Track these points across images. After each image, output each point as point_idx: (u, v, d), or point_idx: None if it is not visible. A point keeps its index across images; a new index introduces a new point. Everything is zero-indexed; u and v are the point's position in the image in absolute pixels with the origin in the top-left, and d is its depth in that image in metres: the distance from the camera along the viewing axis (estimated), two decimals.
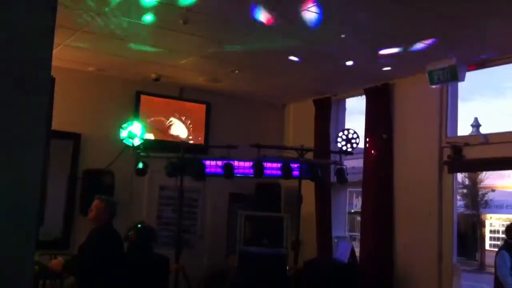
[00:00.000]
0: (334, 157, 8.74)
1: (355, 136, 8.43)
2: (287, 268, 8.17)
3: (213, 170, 8.23)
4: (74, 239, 7.77)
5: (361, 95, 8.83)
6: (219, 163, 8.18)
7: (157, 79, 8.58)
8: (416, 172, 7.78)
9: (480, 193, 27.01)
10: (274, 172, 8.38)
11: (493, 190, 26.48)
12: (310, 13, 5.74)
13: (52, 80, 2.74)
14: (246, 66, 8.01)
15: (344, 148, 8.42)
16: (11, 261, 1.70)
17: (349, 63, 7.43)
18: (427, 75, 7.06)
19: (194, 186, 8.95)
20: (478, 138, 7.70)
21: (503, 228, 16.48)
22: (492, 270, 7.86)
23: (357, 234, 11.51)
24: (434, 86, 7.19)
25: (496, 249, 8.31)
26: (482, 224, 27.71)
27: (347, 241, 9.48)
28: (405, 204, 7.89)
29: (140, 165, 8.00)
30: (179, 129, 9.22)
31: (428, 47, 6.59)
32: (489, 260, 22.28)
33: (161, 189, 9.07)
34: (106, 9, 5.91)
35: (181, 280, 7.68)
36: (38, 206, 1.82)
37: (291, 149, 8.53)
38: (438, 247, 7.43)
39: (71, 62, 7.90)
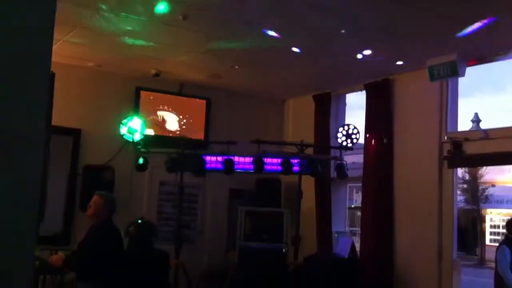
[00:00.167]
0: (334, 153, 8.74)
1: (355, 131, 8.44)
2: (287, 263, 8.19)
3: (213, 165, 8.23)
4: (75, 235, 7.78)
5: (361, 90, 8.82)
6: (219, 158, 8.19)
7: (157, 75, 8.58)
8: (416, 167, 7.79)
9: (480, 188, 27.05)
10: (274, 167, 8.38)
11: (493, 185, 26.53)
12: (311, 9, 5.74)
13: (52, 75, 2.74)
14: (246, 62, 8.01)
15: (344, 143, 8.42)
16: (11, 256, 1.70)
17: (350, 57, 7.42)
18: (427, 70, 7.06)
19: (194, 182, 8.95)
20: (478, 133, 7.71)
21: (503, 223, 16.46)
22: (493, 265, 7.87)
23: (357, 229, 11.53)
24: (434, 82, 7.19)
25: (497, 244, 8.32)
26: (482, 219, 27.77)
27: (347, 236, 9.49)
28: (405, 199, 7.89)
29: (141, 161, 8.00)
30: (171, 122, 9.19)
31: (428, 43, 6.59)
32: (490, 255, 22.34)
33: (161, 185, 9.07)
34: (105, 5, 5.90)
35: (181, 275, 7.69)
36: (38, 202, 1.82)
37: (291, 144, 8.53)
38: (438, 242, 7.44)
39: (71, 58, 7.90)
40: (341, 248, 8.14)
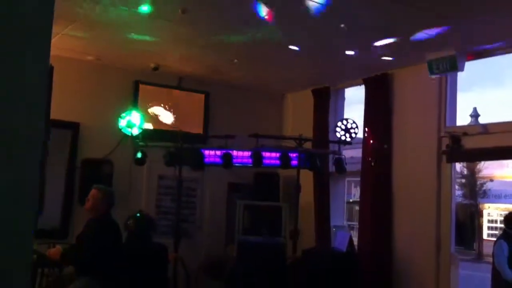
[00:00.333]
0: (332, 147, 8.75)
1: (354, 126, 8.44)
2: (286, 257, 8.21)
3: (212, 159, 8.23)
4: (73, 229, 7.78)
5: (360, 85, 8.82)
6: (218, 152, 8.19)
7: (156, 69, 8.56)
8: (414, 161, 7.80)
9: (478, 183, 27.07)
10: (273, 161, 8.38)
11: (491, 180, 26.55)
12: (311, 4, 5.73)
13: (51, 68, 2.73)
14: (245, 56, 7.99)
15: (343, 138, 8.43)
16: (10, 250, 1.71)
17: (349, 53, 7.42)
18: (426, 65, 7.05)
19: (193, 176, 8.94)
20: (476, 128, 7.70)
21: (501, 218, 16.46)
22: (490, 259, 7.89)
23: (355, 223, 11.56)
24: (433, 76, 7.19)
25: (494, 239, 8.33)
26: (480, 214, 27.81)
27: (346, 230, 9.51)
28: (403, 194, 7.90)
29: (139, 155, 7.99)
30: (165, 118, 9.17)
31: (428, 38, 6.58)
32: (487, 249, 22.39)
33: (160, 179, 9.06)
34: None
35: (180, 269, 7.70)
36: (37, 198, 1.82)
37: (290, 138, 8.54)
38: (436, 236, 7.46)
39: (70, 51, 7.88)
40: (339, 242, 8.16)
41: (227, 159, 8.12)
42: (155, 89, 9.07)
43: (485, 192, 27.10)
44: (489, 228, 27.69)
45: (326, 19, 6.19)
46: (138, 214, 7.39)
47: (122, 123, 8.00)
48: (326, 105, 9.29)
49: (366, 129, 8.44)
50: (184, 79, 9.24)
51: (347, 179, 10.22)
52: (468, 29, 6.32)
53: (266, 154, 8.28)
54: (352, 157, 8.99)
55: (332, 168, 8.73)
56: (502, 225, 7.92)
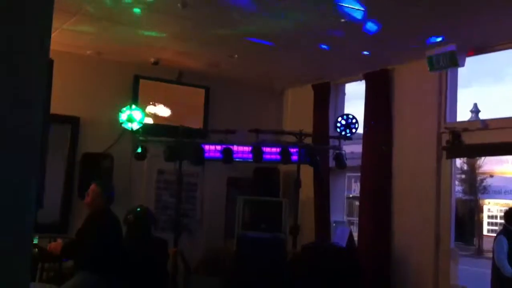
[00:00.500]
0: (333, 142, 8.75)
1: (354, 121, 8.43)
2: (286, 252, 8.21)
3: (212, 154, 8.23)
4: (73, 223, 7.79)
5: (360, 80, 8.81)
6: (218, 147, 8.18)
7: (156, 63, 8.56)
8: (414, 157, 7.79)
9: (478, 178, 27.10)
10: (273, 156, 8.38)
11: (491, 176, 26.57)
12: None
13: (51, 62, 2.73)
14: (245, 51, 7.98)
15: (343, 133, 8.42)
16: (10, 243, 1.71)
17: (348, 48, 7.41)
18: (426, 60, 7.04)
19: (193, 171, 8.94)
20: (477, 124, 7.69)
21: (501, 214, 16.45)
22: (490, 255, 7.90)
23: (355, 218, 11.56)
24: (433, 72, 7.18)
25: (494, 235, 8.34)
26: (480, 210, 27.84)
27: (345, 225, 9.52)
28: (403, 189, 7.90)
29: (139, 149, 7.99)
30: (165, 112, 9.17)
31: (428, 33, 6.58)
32: (487, 245, 22.42)
33: (160, 173, 9.07)
34: None
35: (180, 263, 7.71)
36: (37, 190, 1.82)
37: (290, 134, 8.54)
38: (436, 232, 7.46)
39: (69, 45, 7.87)
40: (339, 237, 8.17)
41: (227, 154, 8.11)
42: (155, 84, 9.06)
43: (485, 187, 27.12)
44: (489, 223, 27.73)
45: (327, 9, 6.17)
46: (138, 209, 7.39)
47: (122, 117, 8.00)
48: (326, 100, 9.29)
49: (367, 124, 8.44)
50: (184, 73, 9.23)
51: (347, 174, 10.22)
52: (468, 24, 6.31)
53: (266, 149, 8.28)
54: (352, 153, 8.98)
55: (332, 163, 8.73)
56: (502, 221, 7.93)
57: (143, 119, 8.10)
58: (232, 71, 9.05)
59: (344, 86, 9.64)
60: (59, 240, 6.18)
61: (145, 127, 8.18)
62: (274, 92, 10.30)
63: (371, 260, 7.95)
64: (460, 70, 7.50)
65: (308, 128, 8.98)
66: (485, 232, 26.93)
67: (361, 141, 8.52)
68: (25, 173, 1.75)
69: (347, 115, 8.54)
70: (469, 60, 7.12)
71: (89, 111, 8.44)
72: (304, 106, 9.51)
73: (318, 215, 9.06)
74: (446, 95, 7.63)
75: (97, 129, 8.43)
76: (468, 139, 7.23)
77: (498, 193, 27.03)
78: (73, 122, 8.39)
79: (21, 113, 1.74)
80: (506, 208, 8.45)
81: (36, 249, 6.22)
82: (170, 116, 9.13)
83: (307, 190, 8.87)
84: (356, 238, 8.39)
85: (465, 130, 7.27)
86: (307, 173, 8.72)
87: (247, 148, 8.23)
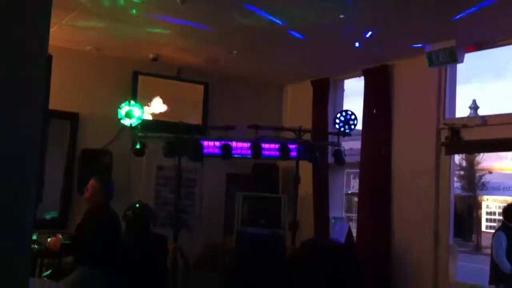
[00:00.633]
0: (332, 138, 8.75)
1: (353, 117, 8.44)
2: (285, 248, 8.22)
3: (211, 150, 8.22)
4: (72, 218, 7.79)
5: (359, 76, 8.81)
6: (217, 143, 8.18)
7: (155, 59, 8.55)
8: (413, 153, 7.80)
9: (477, 175, 27.13)
10: (272, 153, 8.38)
11: (490, 172, 26.61)
12: None
13: (49, 58, 2.73)
14: (244, 47, 7.97)
15: (342, 129, 8.42)
16: (9, 240, 1.71)
17: (348, 43, 7.40)
18: (426, 56, 7.04)
19: (192, 167, 8.94)
20: (476, 120, 7.70)
21: (500, 210, 16.47)
22: (488, 251, 7.92)
23: (354, 215, 11.56)
24: (433, 68, 7.18)
25: (493, 231, 8.35)
26: (479, 206, 27.89)
27: (344, 221, 9.52)
28: (402, 186, 7.91)
29: (138, 145, 7.98)
30: (164, 108, 9.15)
31: (428, 28, 6.57)
32: (485, 241, 22.45)
33: (159, 169, 9.06)
34: None
35: (179, 259, 7.72)
36: (36, 186, 1.82)
37: (289, 130, 8.54)
38: (434, 228, 7.47)
39: (68, 41, 7.85)
40: (338, 233, 8.17)
41: (226, 150, 8.11)
42: (154, 80, 9.05)
43: (483, 184, 27.16)
44: (487, 220, 27.77)
45: (326, 5, 6.16)
46: (137, 205, 7.40)
47: (121, 113, 7.99)
48: (326, 96, 9.29)
49: (365, 120, 8.44)
50: (183, 70, 9.23)
51: (346, 170, 10.22)
52: (468, 20, 6.30)
53: (265, 145, 8.28)
54: (351, 149, 8.98)
55: (331, 159, 8.73)
56: (501, 217, 7.94)
57: (142, 115, 8.10)
58: (231, 67, 9.04)
59: (343, 82, 9.64)
60: (59, 235, 6.18)
61: (144, 123, 8.18)
62: (273, 88, 10.30)
63: (370, 256, 7.96)
64: (460, 66, 7.51)
65: (307, 124, 8.99)
66: (483, 229, 26.98)
67: (360, 137, 8.53)
68: (25, 173, 1.74)
69: (346, 111, 8.55)
70: (469, 56, 7.12)
71: (88, 107, 8.43)
72: (303, 102, 9.51)
73: (317, 211, 9.07)
74: (445, 91, 7.63)
75: (96, 125, 8.43)
76: (467, 135, 7.23)
77: (496, 189, 27.08)
78: (72, 118, 8.39)
79: (20, 113, 1.74)
80: (505, 204, 8.46)
81: (35, 245, 6.22)
82: (169, 112, 9.12)
83: (306, 186, 8.88)
84: (354, 234, 8.39)
85: (464, 126, 7.27)
86: (306, 169, 8.73)
87: (246, 144, 8.23)
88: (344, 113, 8.51)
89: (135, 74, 8.88)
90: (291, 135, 8.47)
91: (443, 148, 7.44)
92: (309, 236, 8.59)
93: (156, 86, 9.08)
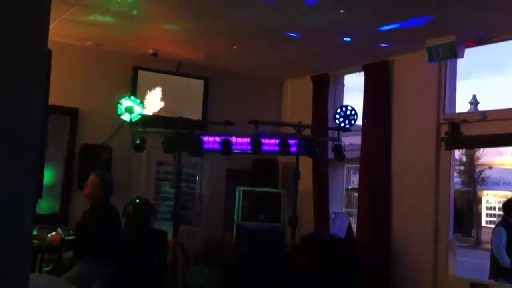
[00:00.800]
0: (331, 134, 8.75)
1: (353, 112, 8.44)
2: (285, 243, 8.23)
3: (211, 146, 8.22)
4: (72, 214, 7.80)
5: (359, 71, 8.80)
6: (217, 139, 8.17)
7: (155, 54, 8.55)
8: (413, 148, 7.80)
9: (477, 170, 27.12)
10: (272, 148, 8.38)
11: (490, 167, 26.61)
12: None
13: (49, 52, 2.72)
14: (244, 42, 7.96)
15: (342, 124, 8.43)
16: (9, 236, 1.71)
17: (348, 39, 7.39)
18: (426, 51, 7.04)
19: (192, 162, 8.94)
20: (476, 115, 7.69)
21: (500, 205, 16.50)
22: (488, 246, 7.93)
23: (354, 210, 11.56)
24: (433, 63, 7.17)
25: (493, 226, 8.36)
26: (479, 201, 27.90)
27: (344, 216, 9.52)
28: (402, 181, 7.91)
29: (138, 141, 7.97)
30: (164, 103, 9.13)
31: (427, 24, 6.56)
32: (485, 236, 22.47)
33: (159, 165, 9.07)
34: None
35: (179, 255, 7.73)
36: (36, 181, 1.82)
37: (289, 125, 8.53)
38: (434, 223, 7.47)
39: (68, 36, 7.84)
40: (338, 228, 8.18)
41: (226, 146, 8.11)
42: (154, 75, 9.04)
43: (483, 179, 27.16)
44: (487, 215, 27.79)
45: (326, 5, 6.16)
46: (137, 200, 7.41)
47: (121, 108, 7.99)
48: (325, 92, 9.28)
49: (365, 116, 8.44)
50: (183, 65, 9.22)
51: (346, 166, 10.21)
52: (467, 15, 6.29)
53: (265, 141, 8.28)
54: (351, 144, 8.99)
55: (331, 155, 8.73)
56: (501, 212, 7.95)
57: (141, 110, 8.09)
58: (231, 62, 9.03)
59: (343, 77, 9.63)
60: (59, 230, 6.19)
61: (144, 119, 8.17)
62: (273, 84, 10.29)
63: (370, 251, 7.96)
64: (460, 61, 7.49)
65: (307, 119, 8.99)
66: (483, 224, 26.99)
67: (360, 132, 8.53)
68: (25, 173, 1.74)
69: (346, 106, 8.55)
70: (469, 52, 7.11)
71: (88, 102, 8.43)
72: (303, 98, 9.50)
73: (317, 206, 9.08)
74: (446, 86, 7.62)
75: (96, 121, 8.43)
76: (467, 130, 7.22)
77: (496, 184, 27.08)
78: (72, 113, 8.38)
79: (19, 105, 1.73)
80: (505, 199, 8.46)
81: (36, 241, 6.23)
82: (169, 107, 9.10)
83: (306, 181, 8.88)
84: (354, 229, 8.40)
85: (464, 121, 7.27)
86: (306, 164, 8.73)
87: (246, 140, 8.23)
88: (344, 109, 8.51)
89: (135, 69, 8.87)
90: (291, 130, 8.46)
91: (443, 143, 7.44)
92: (309, 231, 8.60)
93: (156, 81, 9.06)
